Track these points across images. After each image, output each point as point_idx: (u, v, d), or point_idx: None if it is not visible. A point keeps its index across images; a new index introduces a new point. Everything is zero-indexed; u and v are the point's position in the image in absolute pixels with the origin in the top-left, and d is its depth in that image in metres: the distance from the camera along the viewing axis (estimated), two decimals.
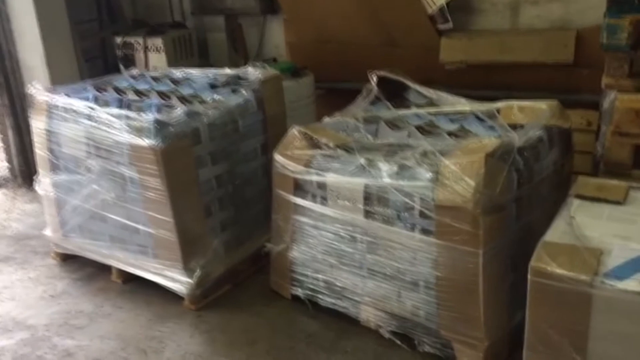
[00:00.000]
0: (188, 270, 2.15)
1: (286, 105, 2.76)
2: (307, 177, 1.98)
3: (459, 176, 1.68)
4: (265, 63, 3.12)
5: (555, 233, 1.48)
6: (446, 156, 1.75)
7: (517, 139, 1.81)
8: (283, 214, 2.11)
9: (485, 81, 2.98)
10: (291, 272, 2.14)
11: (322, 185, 1.95)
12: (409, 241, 1.80)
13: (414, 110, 2.16)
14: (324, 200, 1.96)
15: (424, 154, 1.82)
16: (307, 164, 1.97)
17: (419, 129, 2.02)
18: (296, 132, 2.02)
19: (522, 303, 1.47)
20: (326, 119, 2.20)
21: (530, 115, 1.99)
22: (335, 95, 3.37)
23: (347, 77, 3.29)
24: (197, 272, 2.15)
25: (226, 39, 3.52)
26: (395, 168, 1.80)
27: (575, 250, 1.39)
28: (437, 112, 2.14)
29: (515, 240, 1.79)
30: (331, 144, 1.94)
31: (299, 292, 2.14)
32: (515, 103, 2.04)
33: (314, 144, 1.98)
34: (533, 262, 1.37)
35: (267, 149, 2.38)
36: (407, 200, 1.76)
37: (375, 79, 2.27)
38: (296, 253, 2.10)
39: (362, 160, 1.86)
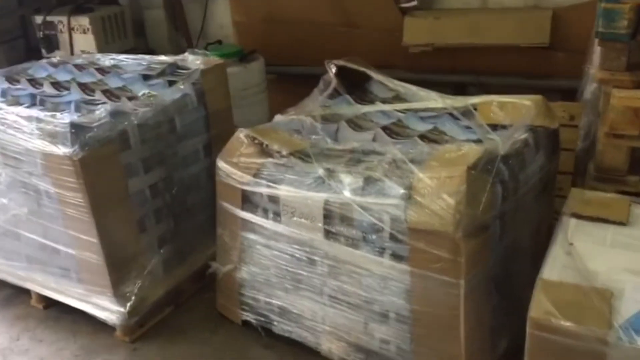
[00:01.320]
0: (119, 297, 1.84)
1: (234, 95, 2.46)
2: (257, 189, 1.68)
3: (436, 193, 1.41)
4: (210, 46, 2.79)
5: (554, 267, 1.23)
6: (420, 167, 1.48)
7: (501, 144, 1.55)
8: (229, 230, 1.81)
9: (452, 65, 2.72)
10: (240, 295, 1.86)
11: (274, 199, 1.65)
12: (377, 267, 1.53)
13: (378, 106, 1.88)
14: (276, 217, 1.67)
15: (394, 163, 1.55)
16: (257, 174, 1.67)
17: (386, 130, 1.73)
18: (243, 136, 1.72)
19: (507, 328, 1.22)
20: (278, 117, 1.90)
21: (512, 113, 1.73)
22: (288, 80, 3.06)
23: (301, 61, 2.98)
24: (131, 299, 1.85)
25: (165, 17, 3.15)
26: (360, 181, 1.52)
27: (582, 293, 1.15)
28: (406, 109, 1.86)
29: (499, 261, 1.55)
30: (284, 151, 1.65)
31: (250, 317, 1.86)
32: (495, 99, 1.78)
33: (264, 150, 1.68)
34: (533, 313, 1.12)
35: (211, 149, 2.07)
36: (374, 220, 1.49)
37: (333, 69, 1.97)
38: (246, 274, 1.82)
39: (320, 171, 1.58)
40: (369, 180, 1.52)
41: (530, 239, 1.73)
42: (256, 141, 1.70)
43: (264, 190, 1.67)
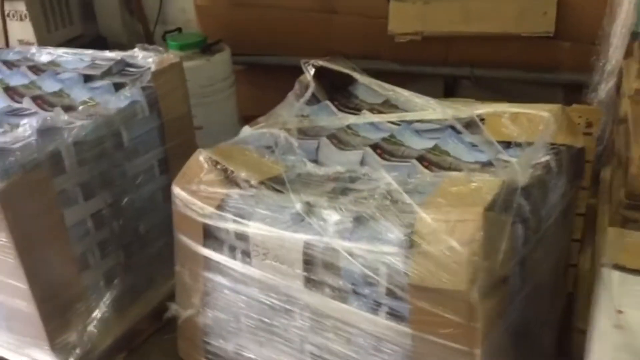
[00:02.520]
0: (59, 349, 1.53)
1: (196, 92, 2.15)
2: (221, 224, 1.38)
3: (445, 242, 1.12)
4: (168, 35, 2.45)
5: (604, 350, 0.96)
6: (423, 204, 1.18)
7: (520, 171, 1.26)
8: (190, 269, 1.51)
9: (444, 57, 2.42)
10: (206, 343, 1.56)
11: (242, 237, 1.35)
12: (371, 326, 1.24)
13: (366, 116, 1.57)
14: (246, 257, 1.37)
15: (389, 196, 1.25)
16: (220, 206, 1.36)
17: (377, 148, 1.43)
18: (202, 160, 1.40)
19: None
20: (246, 131, 1.59)
21: (527, 127, 1.44)
22: (258, 72, 2.74)
23: (273, 50, 2.66)
24: (74, 352, 1.54)
25: None
26: (348, 221, 1.22)
27: None
28: (399, 119, 1.56)
29: (519, 313, 1.28)
30: (253, 180, 1.34)
31: None
32: (506, 109, 1.49)
33: (229, 178, 1.37)
34: None
35: (168, 165, 1.76)
36: (366, 271, 1.20)
37: (311, 70, 1.65)
38: (211, 321, 1.52)
39: (299, 206, 1.27)
40: (359, 220, 1.22)
41: (550, 276, 1.46)
42: (219, 166, 1.38)
43: (229, 226, 1.36)
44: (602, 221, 1.76)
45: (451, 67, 2.42)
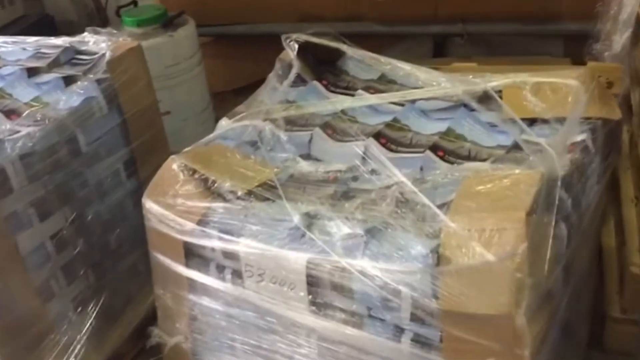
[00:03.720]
0: None
1: (160, 74, 1.92)
2: (205, 242, 1.16)
3: (481, 257, 0.92)
4: (122, 10, 2.17)
5: None
6: (447, 208, 0.98)
7: (557, 157, 1.06)
8: (172, 292, 1.30)
9: (432, 13, 2.19)
10: None
11: (232, 255, 1.14)
12: (393, 354, 1.06)
13: (362, 97, 1.35)
14: (237, 279, 1.16)
15: (404, 199, 1.05)
16: (202, 221, 1.14)
17: (380, 137, 1.22)
18: (177, 169, 1.18)
19: None
20: (224, 123, 1.35)
21: (552, 99, 1.23)
22: (227, 43, 2.48)
23: (242, 18, 2.40)
24: None
25: None
26: (359, 235, 1.02)
27: None
28: (402, 99, 1.34)
29: (562, 320, 1.10)
30: (239, 191, 1.12)
31: None
32: (526, 78, 1.27)
33: (210, 188, 1.15)
34: None
35: (136, 166, 1.52)
36: (385, 293, 1.00)
37: (293, 46, 1.42)
38: (202, 348, 1.32)
39: (297, 219, 1.06)
40: (372, 233, 1.02)
41: (588, 267, 1.29)
42: (197, 175, 1.16)
43: (215, 244, 1.15)
44: (627, 190, 1.58)
45: (441, 24, 2.20)
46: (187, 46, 2.09)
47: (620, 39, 1.72)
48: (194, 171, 1.16)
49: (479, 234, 0.93)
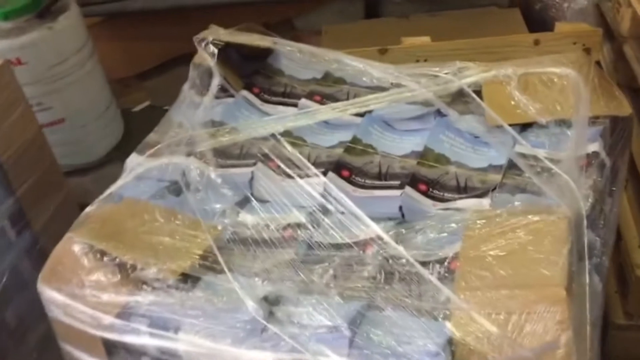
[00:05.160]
0: None
1: (44, 77, 1.57)
2: (130, 339, 0.88)
3: (514, 354, 0.69)
4: None
5: None
6: (457, 284, 0.74)
7: (575, 185, 0.83)
8: None
9: None
10: None
11: (170, 353, 0.86)
12: None
13: (310, 110, 1.07)
14: None
15: (390, 265, 0.80)
16: (125, 314, 0.86)
17: (340, 168, 0.95)
18: (79, 252, 0.87)
19: None
20: (134, 162, 1.04)
21: (544, 95, 0.99)
22: (123, 24, 2.08)
23: None
24: None
25: None
26: (341, 327, 0.76)
27: None
28: (356, 104, 1.07)
29: None
30: (169, 277, 0.83)
31: None
32: (508, 70, 1.02)
33: (129, 275, 0.86)
34: None
35: (26, 218, 1.19)
36: None
37: (211, 50, 1.10)
38: None
39: (252, 308, 0.79)
40: (356, 320, 0.76)
41: None
42: (107, 257, 0.86)
43: (145, 340, 0.87)
44: None
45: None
46: (73, 37, 1.70)
47: None
48: (103, 253, 0.85)
49: (504, 320, 0.70)
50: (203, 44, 1.09)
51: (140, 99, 2.21)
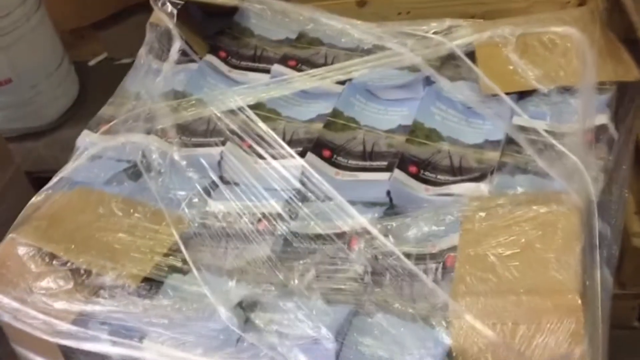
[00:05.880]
0: None
1: None
2: (88, 347, 0.78)
3: None
4: None
5: None
6: (456, 288, 0.65)
7: (583, 166, 0.74)
8: None
9: None
10: None
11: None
12: None
13: (285, 78, 0.95)
14: None
15: (379, 261, 0.71)
16: (81, 321, 0.76)
17: (320, 147, 0.85)
18: (24, 256, 0.75)
19: None
20: (87, 139, 0.92)
21: (545, 58, 0.89)
22: None
23: None
24: None
25: None
26: (328, 339, 0.67)
27: None
28: (335, 71, 0.95)
29: None
30: (130, 283, 0.73)
31: None
32: (505, 30, 0.92)
33: (83, 281, 0.75)
34: None
35: None
36: None
37: (169, 9, 0.96)
38: None
39: (225, 317, 0.70)
40: (343, 329, 0.68)
41: None
42: (57, 262, 0.75)
43: (107, 349, 0.78)
44: None
45: None
46: None
47: None
48: (53, 256, 0.75)
49: (511, 331, 0.62)
50: (159, 3, 0.96)
51: (96, 50, 2.03)
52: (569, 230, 0.65)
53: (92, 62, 1.98)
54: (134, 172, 0.88)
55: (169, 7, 0.95)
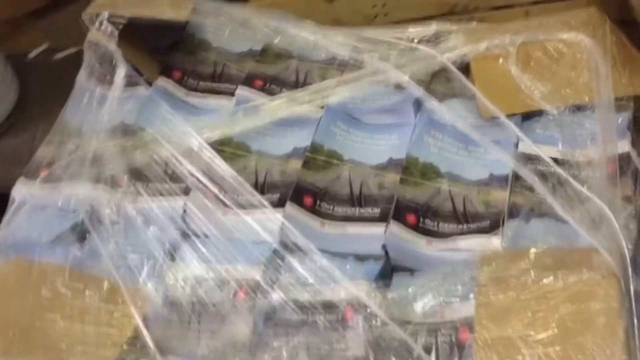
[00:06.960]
0: None
1: None
2: None
3: None
4: None
5: None
6: None
7: (618, 227, 0.63)
8: None
9: None
10: None
11: None
12: None
13: (254, 105, 0.81)
14: None
15: (373, 336, 0.60)
16: None
17: (301, 194, 0.72)
18: None
19: None
20: (20, 195, 0.77)
21: (553, 71, 0.77)
22: None
23: None
24: None
25: None
26: None
27: None
28: (310, 92, 0.81)
29: None
30: None
31: None
32: (504, 40, 0.79)
33: None
34: None
35: None
36: None
37: (109, 30, 0.80)
38: None
39: None
40: None
41: None
42: None
43: None
44: None
45: None
46: None
47: None
48: None
49: None
50: (97, 23, 0.80)
51: (35, 41, 1.84)
52: (607, 306, 0.55)
53: (32, 54, 1.79)
54: (82, 230, 0.74)
55: (109, 28, 0.80)
